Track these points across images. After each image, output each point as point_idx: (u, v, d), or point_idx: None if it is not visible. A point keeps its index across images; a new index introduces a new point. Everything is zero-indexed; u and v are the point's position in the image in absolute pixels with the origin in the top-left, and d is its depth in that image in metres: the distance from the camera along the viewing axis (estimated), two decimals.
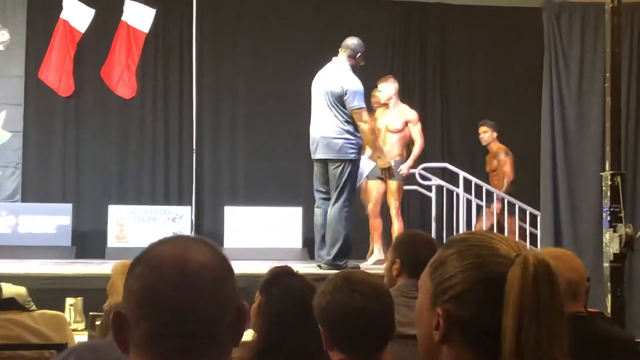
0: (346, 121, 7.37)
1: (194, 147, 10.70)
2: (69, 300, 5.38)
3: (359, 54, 7.59)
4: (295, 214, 9.86)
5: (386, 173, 7.80)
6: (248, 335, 2.67)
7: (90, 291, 5.65)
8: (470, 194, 9.25)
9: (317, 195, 7.60)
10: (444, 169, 9.81)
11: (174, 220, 10.14)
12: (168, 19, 10.90)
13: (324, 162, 7.48)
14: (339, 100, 7.37)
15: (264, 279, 2.92)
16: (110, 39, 10.44)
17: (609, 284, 5.97)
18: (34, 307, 4.23)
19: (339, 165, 7.36)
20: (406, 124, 8.71)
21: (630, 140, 8.36)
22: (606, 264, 6.03)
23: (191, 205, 10.50)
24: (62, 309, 5.33)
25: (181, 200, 10.70)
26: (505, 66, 11.07)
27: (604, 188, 6.19)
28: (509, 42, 11.02)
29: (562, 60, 8.31)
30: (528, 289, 1.40)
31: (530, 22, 9.61)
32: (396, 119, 8.71)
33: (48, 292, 5.89)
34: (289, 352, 2.74)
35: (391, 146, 8.59)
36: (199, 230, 10.55)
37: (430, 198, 9.61)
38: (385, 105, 8.80)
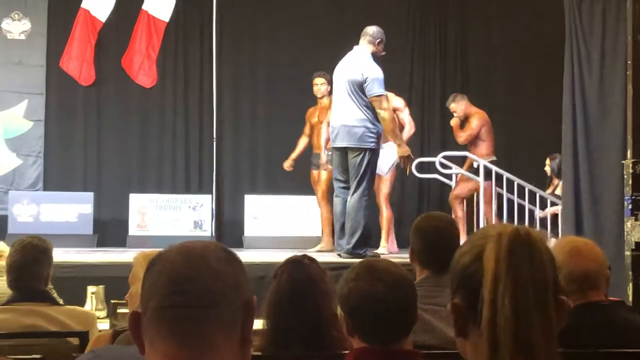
0: (366, 109, 7.34)
1: (215, 136, 10.70)
2: (91, 289, 5.40)
3: (379, 39, 7.55)
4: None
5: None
6: (258, 324, 2.68)
7: (112, 279, 5.67)
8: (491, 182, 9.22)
9: (336, 184, 7.59)
10: (465, 158, 9.77)
11: (194, 209, 10.18)
12: (188, 8, 10.92)
13: (344, 151, 7.45)
14: (360, 88, 7.33)
15: (277, 267, 2.93)
16: (131, 28, 10.48)
17: (630, 272, 5.94)
18: (56, 295, 4.26)
19: (358, 154, 7.33)
20: (394, 112, 8.56)
21: None
22: (627, 253, 6.01)
23: (211, 193, 10.53)
24: (84, 297, 5.36)
25: (202, 189, 10.74)
26: (526, 53, 11.02)
27: (625, 176, 6.17)
28: (529, 27, 10.96)
29: (583, 48, 8.24)
30: (502, 260, 1.41)
31: (551, 7, 9.55)
32: None
33: (69, 280, 5.93)
34: (298, 339, 2.75)
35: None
36: (220, 218, 10.58)
37: (450, 187, 9.59)
38: None
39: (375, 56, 7.57)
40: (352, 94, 7.36)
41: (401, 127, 8.48)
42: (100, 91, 10.74)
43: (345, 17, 10.64)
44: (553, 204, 9.14)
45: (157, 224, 10.01)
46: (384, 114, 7.36)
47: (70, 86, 10.54)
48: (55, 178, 10.58)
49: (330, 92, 8.68)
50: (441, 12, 11.47)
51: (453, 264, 1.53)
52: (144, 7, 10.50)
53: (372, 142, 7.37)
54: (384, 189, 8.55)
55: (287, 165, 9.41)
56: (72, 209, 9.98)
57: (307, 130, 9.35)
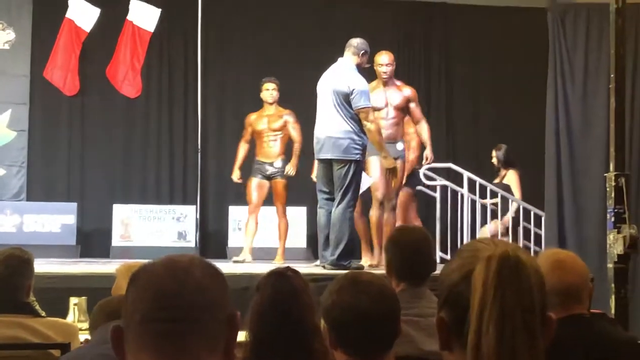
0: (352, 121, 7.35)
1: (199, 147, 10.72)
2: (73, 300, 5.37)
3: (363, 50, 7.57)
4: (299, 214, 9.86)
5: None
6: (241, 336, 2.68)
7: (95, 290, 5.63)
8: (475, 194, 9.26)
9: (320, 196, 7.56)
10: (449, 169, 9.79)
11: (178, 220, 10.16)
12: (173, 19, 10.92)
13: (329, 162, 7.45)
14: (346, 100, 7.35)
15: (260, 279, 2.93)
16: (116, 38, 10.47)
17: (612, 285, 5.97)
18: (38, 307, 4.24)
19: (344, 166, 7.33)
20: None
21: (635, 141, 8.36)
22: (610, 265, 6.04)
23: (196, 204, 10.53)
24: (66, 309, 5.33)
25: (186, 200, 10.73)
26: (509, 66, 11.08)
27: (608, 189, 6.20)
28: (513, 42, 11.02)
29: (566, 61, 8.30)
30: (489, 286, 1.41)
31: (535, 22, 9.60)
32: None
33: (52, 292, 5.90)
34: (281, 351, 2.75)
35: None
36: (204, 229, 10.57)
37: (434, 198, 9.61)
38: None
39: (360, 68, 7.59)
40: (338, 105, 7.36)
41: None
42: (85, 101, 10.72)
43: (331, 34, 10.67)
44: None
45: (140, 234, 9.99)
46: (370, 126, 7.37)
47: (54, 96, 10.51)
48: (39, 188, 10.54)
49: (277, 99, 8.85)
50: (426, 24, 11.50)
51: (441, 278, 1.54)
52: (129, 17, 10.49)
53: (357, 153, 7.37)
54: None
55: (237, 177, 9.07)
56: (56, 220, 9.95)
57: (247, 136, 9.04)
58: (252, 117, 9.04)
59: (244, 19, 11.02)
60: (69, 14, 10.33)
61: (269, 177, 8.83)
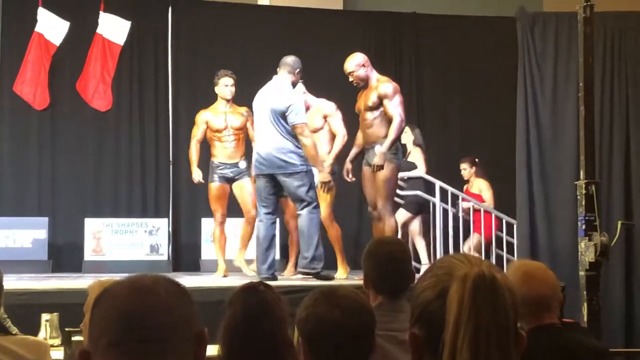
0: (290, 137, 7.53)
1: (171, 159, 10.68)
2: (45, 316, 5.34)
3: (297, 69, 7.75)
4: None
5: (325, 187, 7.76)
6: (214, 350, 2.67)
7: (67, 306, 5.61)
8: (447, 203, 9.29)
9: (260, 210, 7.68)
10: (421, 179, 9.81)
11: (150, 233, 10.11)
12: (143, 32, 10.89)
13: (270, 178, 7.59)
14: (283, 117, 7.53)
15: (232, 294, 2.92)
16: (86, 52, 10.43)
17: (584, 292, 6.01)
18: (10, 324, 4.20)
19: (292, 178, 7.50)
20: (325, 118, 8.39)
21: (604, 149, 8.42)
22: (582, 273, 6.08)
23: (168, 217, 10.49)
24: (38, 325, 5.29)
25: (158, 213, 10.67)
26: (479, 75, 11.15)
27: (578, 197, 6.24)
28: (483, 51, 11.10)
29: (536, 70, 8.36)
30: (465, 304, 1.42)
31: (504, 31, 9.66)
32: (314, 117, 8.34)
33: (24, 308, 5.86)
34: None
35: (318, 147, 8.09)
36: (176, 242, 10.53)
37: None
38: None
39: (294, 84, 7.79)
40: (275, 122, 7.55)
41: (333, 136, 8.32)
42: (55, 115, 10.64)
43: (303, 49, 10.67)
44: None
45: (113, 248, 9.93)
46: (306, 141, 7.53)
47: (24, 110, 10.44)
48: (9, 203, 10.45)
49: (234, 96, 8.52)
50: (396, 34, 11.55)
51: (415, 295, 1.54)
52: (99, 30, 10.45)
53: (301, 164, 7.53)
54: (324, 208, 8.15)
55: (199, 176, 8.50)
56: (27, 235, 9.87)
57: (201, 135, 8.51)
58: (205, 114, 8.58)
59: (214, 30, 11.02)
60: (38, 28, 10.27)
61: (232, 180, 8.46)
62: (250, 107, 8.11)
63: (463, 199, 9.43)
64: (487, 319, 1.41)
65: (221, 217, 8.53)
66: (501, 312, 1.42)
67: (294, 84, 7.77)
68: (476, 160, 10.01)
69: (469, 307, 1.41)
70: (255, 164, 7.72)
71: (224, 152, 8.49)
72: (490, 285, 1.43)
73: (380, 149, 7.55)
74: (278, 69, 7.80)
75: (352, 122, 8.20)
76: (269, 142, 7.57)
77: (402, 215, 9.31)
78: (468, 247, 9.31)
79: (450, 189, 9.33)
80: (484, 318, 1.40)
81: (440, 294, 1.47)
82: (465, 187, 9.97)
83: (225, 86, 8.54)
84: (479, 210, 9.33)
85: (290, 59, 7.79)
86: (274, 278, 7.39)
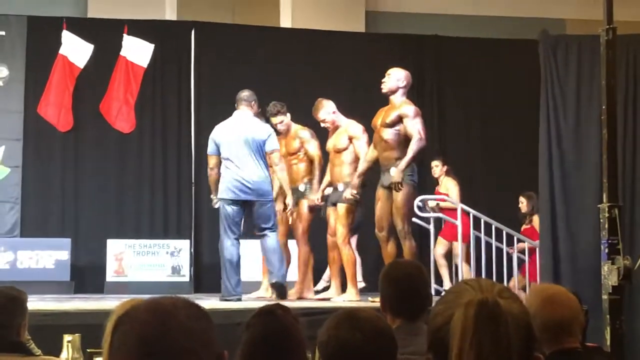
0: (264, 166, 8.04)
1: (193, 180, 10.72)
2: (67, 337, 5.34)
3: (253, 100, 8.24)
4: (292, 246, 9.81)
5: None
6: None
7: (89, 327, 5.59)
8: (480, 231, 9.24)
9: (231, 235, 8.07)
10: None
11: (172, 254, 10.14)
12: (166, 54, 10.96)
13: (242, 204, 7.99)
14: (260, 146, 7.99)
15: (249, 317, 2.90)
16: (109, 74, 10.51)
17: (607, 316, 5.96)
18: (33, 346, 4.21)
19: (266, 206, 8.03)
20: (350, 140, 8.32)
21: (627, 172, 8.36)
22: (605, 297, 6.02)
23: (190, 238, 10.51)
24: (60, 346, 5.30)
25: (180, 234, 10.70)
26: (501, 99, 11.13)
27: (601, 220, 6.19)
28: (504, 74, 11.09)
29: (558, 92, 8.32)
30: (467, 333, 1.42)
31: (526, 54, 9.65)
32: (341, 137, 8.37)
33: (46, 329, 5.86)
34: None
35: (340, 167, 8.27)
36: (198, 263, 10.55)
37: (428, 230, 9.57)
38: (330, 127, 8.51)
39: (256, 116, 8.26)
40: (256, 152, 7.99)
41: (356, 157, 8.25)
42: (78, 137, 10.72)
43: (323, 69, 10.72)
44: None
45: (134, 269, 9.97)
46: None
47: (48, 132, 10.53)
48: (33, 224, 10.52)
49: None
50: (418, 57, 11.55)
51: (430, 320, 1.54)
52: (122, 52, 10.54)
53: (270, 192, 8.16)
54: (340, 229, 8.20)
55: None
56: (50, 256, 9.92)
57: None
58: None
59: (237, 53, 11.06)
60: (62, 51, 10.38)
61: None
62: None
63: (518, 240, 9.28)
64: (488, 346, 1.41)
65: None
66: (503, 339, 1.42)
67: (257, 115, 8.28)
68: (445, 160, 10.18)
69: (471, 334, 1.41)
70: (234, 191, 7.99)
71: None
72: (492, 312, 1.43)
73: (399, 167, 7.54)
74: (236, 105, 8.25)
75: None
76: (247, 171, 7.97)
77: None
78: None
79: (472, 211, 9.25)
80: (485, 345, 1.40)
81: (447, 321, 1.47)
82: (435, 188, 10.08)
83: (275, 125, 8.59)
84: (535, 251, 9.12)
85: (244, 94, 8.28)
86: (240, 298, 7.94)
